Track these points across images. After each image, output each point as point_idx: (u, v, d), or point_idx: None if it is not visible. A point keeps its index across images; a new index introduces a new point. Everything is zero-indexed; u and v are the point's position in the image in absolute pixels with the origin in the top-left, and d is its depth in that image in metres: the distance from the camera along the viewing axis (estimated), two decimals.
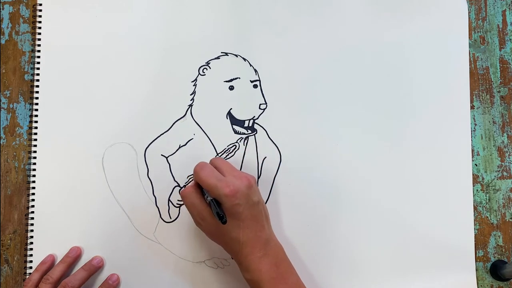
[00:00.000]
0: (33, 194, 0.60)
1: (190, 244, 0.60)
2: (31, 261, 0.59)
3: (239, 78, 0.62)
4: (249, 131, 0.62)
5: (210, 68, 0.62)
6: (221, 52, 0.63)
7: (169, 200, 0.60)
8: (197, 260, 0.60)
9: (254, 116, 0.62)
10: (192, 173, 0.60)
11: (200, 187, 0.53)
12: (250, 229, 0.51)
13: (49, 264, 0.58)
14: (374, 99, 0.63)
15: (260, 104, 0.62)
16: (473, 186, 0.63)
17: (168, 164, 0.61)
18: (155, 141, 0.61)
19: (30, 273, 0.58)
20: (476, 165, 0.64)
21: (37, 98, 0.61)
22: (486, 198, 0.63)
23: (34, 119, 0.60)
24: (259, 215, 0.52)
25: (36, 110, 0.60)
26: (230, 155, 0.61)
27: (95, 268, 0.58)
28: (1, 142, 0.61)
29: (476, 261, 0.62)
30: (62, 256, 0.58)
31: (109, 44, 0.62)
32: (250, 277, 0.51)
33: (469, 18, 0.65)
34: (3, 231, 0.60)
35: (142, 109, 0.61)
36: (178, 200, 0.60)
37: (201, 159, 0.61)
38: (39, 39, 0.61)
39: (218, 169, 0.53)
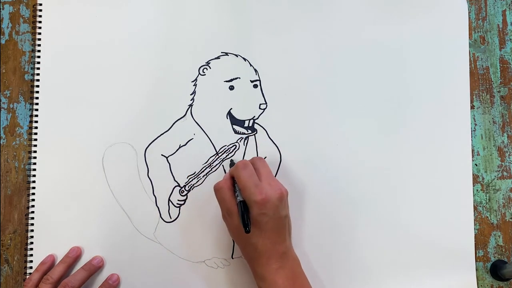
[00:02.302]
0: (33, 194, 0.59)
1: (190, 244, 0.60)
2: (31, 261, 0.59)
3: (239, 78, 0.62)
4: (249, 131, 0.62)
5: (210, 68, 0.62)
6: (221, 52, 0.63)
7: (169, 200, 0.60)
8: (197, 260, 0.60)
9: (254, 116, 0.62)
10: (192, 172, 0.61)
11: (233, 182, 0.54)
12: (270, 240, 0.51)
13: (49, 264, 0.58)
14: (374, 99, 0.63)
15: (260, 104, 0.62)
16: (473, 186, 0.63)
17: (168, 164, 0.61)
18: (155, 141, 0.61)
19: (30, 273, 0.58)
20: (476, 165, 0.64)
21: (37, 98, 0.61)
22: (486, 198, 0.63)
23: (34, 119, 0.60)
24: (282, 228, 0.53)
25: (36, 110, 0.60)
26: (230, 155, 0.61)
27: (95, 268, 0.58)
28: (1, 142, 0.61)
29: (476, 261, 0.62)
30: (62, 256, 0.58)
31: (109, 44, 0.62)
32: (266, 287, 0.51)
33: (469, 18, 0.65)
34: (3, 231, 0.60)
35: (142, 109, 0.61)
36: (178, 200, 0.60)
37: (201, 159, 0.61)
38: (39, 39, 0.61)
39: (256, 171, 0.54)
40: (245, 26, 0.63)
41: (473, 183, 0.63)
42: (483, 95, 0.65)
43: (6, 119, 0.62)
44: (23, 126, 0.62)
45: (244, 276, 0.60)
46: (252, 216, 0.50)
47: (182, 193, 0.60)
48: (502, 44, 0.66)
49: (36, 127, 0.60)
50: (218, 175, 0.60)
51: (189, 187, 0.61)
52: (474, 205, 0.62)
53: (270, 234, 0.51)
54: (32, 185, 0.60)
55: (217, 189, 0.54)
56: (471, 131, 0.63)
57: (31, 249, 0.59)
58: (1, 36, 0.63)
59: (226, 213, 0.53)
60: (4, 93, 0.62)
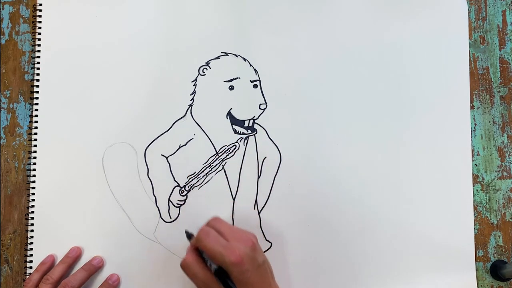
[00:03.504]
0: (33, 194, 0.59)
1: None
2: (31, 261, 0.59)
3: (239, 78, 0.62)
4: (249, 131, 0.62)
5: (210, 68, 0.62)
6: (221, 52, 0.63)
7: (169, 200, 0.60)
8: None
9: (254, 116, 0.62)
10: (192, 172, 0.61)
11: (199, 253, 0.51)
12: None
13: (49, 264, 0.58)
14: (374, 99, 0.63)
15: (260, 104, 0.62)
16: (473, 186, 0.63)
17: (168, 164, 0.61)
18: (155, 141, 0.61)
19: (30, 273, 0.58)
20: (476, 165, 0.64)
21: (37, 98, 0.61)
22: (486, 198, 0.63)
23: (34, 119, 0.60)
24: (266, 274, 0.51)
25: (36, 110, 0.60)
26: (230, 155, 0.61)
27: (95, 268, 0.58)
28: (1, 142, 0.61)
29: (476, 261, 0.62)
30: (62, 256, 0.58)
31: (109, 44, 0.62)
32: None
33: (469, 18, 0.65)
34: (3, 231, 0.60)
35: (142, 109, 0.61)
36: (178, 200, 0.60)
37: (201, 159, 0.61)
38: (39, 39, 0.61)
39: (218, 232, 0.51)
40: (245, 26, 0.63)
41: (473, 183, 0.63)
42: (483, 95, 0.65)
43: (6, 119, 0.62)
44: (23, 126, 0.62)
45: None
46: (234, 277, 0.48)
47: (182, 193, 0.60)
48: (502, 44, 0.66)
49: (36, 127, 0.60)
50: (219, 175, 0.61)
51: (189, 187, 0.61)
52: (474, 205, 0.62)
53: (257, 286, 0.49)
54: (32, 185, 0.60)
55: (185, 266, 0.51)
56: (471, 131, 0.63)
57: (31, 249, 0.59)
58: (1, 36, 0.63)
59: (204, 286, 0.50)
60: (4, 93, 0.62)
